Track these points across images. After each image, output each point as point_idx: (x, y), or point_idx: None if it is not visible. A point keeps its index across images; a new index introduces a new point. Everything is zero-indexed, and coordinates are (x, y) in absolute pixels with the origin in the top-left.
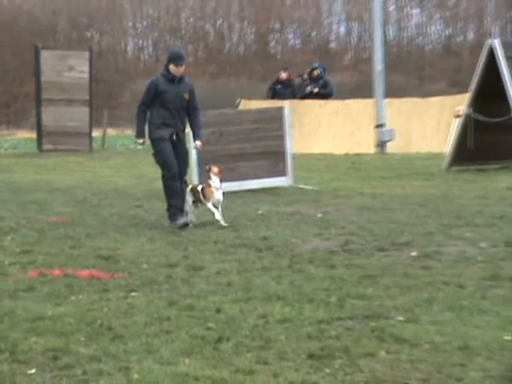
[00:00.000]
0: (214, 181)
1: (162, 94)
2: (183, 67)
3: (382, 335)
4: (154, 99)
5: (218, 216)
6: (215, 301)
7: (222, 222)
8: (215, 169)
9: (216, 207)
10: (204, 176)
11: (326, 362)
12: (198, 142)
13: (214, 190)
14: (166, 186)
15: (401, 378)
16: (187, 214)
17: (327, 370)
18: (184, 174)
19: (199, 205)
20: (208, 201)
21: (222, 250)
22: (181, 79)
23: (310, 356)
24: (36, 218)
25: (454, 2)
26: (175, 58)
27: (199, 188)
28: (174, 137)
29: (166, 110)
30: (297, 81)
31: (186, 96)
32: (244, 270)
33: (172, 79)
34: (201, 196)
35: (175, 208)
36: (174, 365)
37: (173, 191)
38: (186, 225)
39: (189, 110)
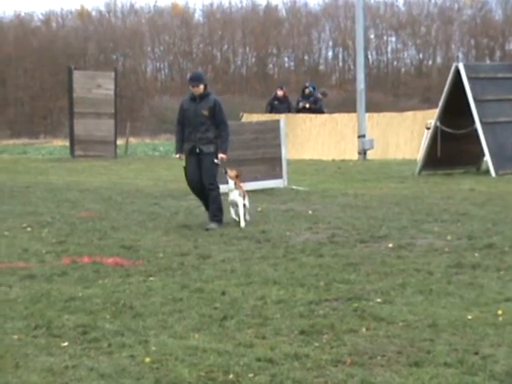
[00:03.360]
0: (230, 184)
1: (185, 112)
2: (199, 87)
3: (363, 314)
4: (184, 117)
5: (232, 215)
6: (221, 284)
7: (242, 223)
8: (231, 173)
9: (233, 207)
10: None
11: (315, 337)
12: (221, 155)
13: (229, 192)
14: None
15: (379, 351)
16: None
17: (316, 344)
18: (207, 182)
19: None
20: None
21: (226, 242)
22: (203, 97)
23: (302, 332)
24: (69, 213)
25: (424, 31)
26: (189, 80)
27: None
28: (197, 150)
29: (189, 126)
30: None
31: (205, 113)
32: (245, 258)
33: (194, 98)
34: None
35: (210, 215)
36: (186, 339)
37: (203, 202)
38: (210, 229)
39: (217, 125)
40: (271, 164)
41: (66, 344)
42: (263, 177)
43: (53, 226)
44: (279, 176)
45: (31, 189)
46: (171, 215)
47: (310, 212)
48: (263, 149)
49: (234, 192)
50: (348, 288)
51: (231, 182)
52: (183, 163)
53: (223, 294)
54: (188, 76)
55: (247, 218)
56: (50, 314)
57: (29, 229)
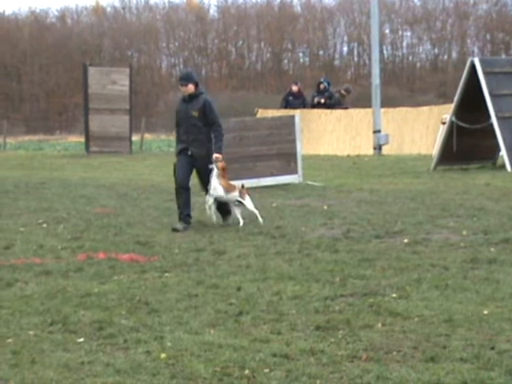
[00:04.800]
0: (214, 172)
1: (177, 113)
2: (188, 86)
3: (379, 310)
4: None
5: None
6: (236, 280)
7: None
8: (219, 163)
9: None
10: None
11: (330, 332)
12: (215, 155)
13: (211, 180)
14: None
15: (394, 346)
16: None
17: (332, 340)
18: (206, 188)
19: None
20: None
21: (241, 237)
22: (193, 98)
23: (317, 327)
24: (84, 209)
25: (440, 26)
26: (178, 80)
27: None
28: (189, 152)
29: (181, 127)
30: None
31: (195, 114)
32: (260, 254)
33: (185, 99)
34: None
35: (178, 214)
36: (201, 334)
37: (178, 200)
38: (176, 230)
39: (209, 126)
40: (286, 159)
41: (81, 340)
42: (278, 172)
43: (68, 222)
44: (294, 171)
45: (47, 185)
46: None
47: (325, 207)
48: (278, 144)
49: (214, 179)
50: (363, 283)
51: (216, 172)
52: (174, 160)
53: (238, 289)
54: None
55: (234, 218)
56: (66, 310)
57: (44, 225)
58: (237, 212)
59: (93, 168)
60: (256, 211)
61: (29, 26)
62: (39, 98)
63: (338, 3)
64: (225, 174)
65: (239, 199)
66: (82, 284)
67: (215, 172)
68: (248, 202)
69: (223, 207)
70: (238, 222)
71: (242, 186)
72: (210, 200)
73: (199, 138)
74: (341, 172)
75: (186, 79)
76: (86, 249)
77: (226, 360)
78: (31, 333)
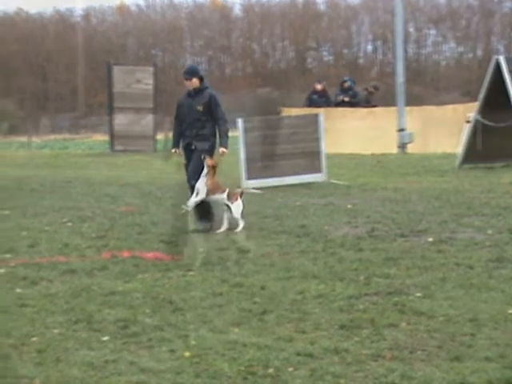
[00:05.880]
0: (204, 171)
1: (179, 107)
2: (192, 80)
3: (403, 309)
4: (180, 113)
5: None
6: (260, 279)
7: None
8: (209, 161)
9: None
10: (252, 172)
11: (355, 331)
12: (222, 149)
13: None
14: None
15: (419, 346)
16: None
17: (356, 338)
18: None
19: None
20: None
21: (265, 236)
22: (198, 92)
23: (342, 326)
24: (109, 208)
25: (464, 24)
26: (183, 74)
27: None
28: (193, 146)
29: (184, 122)
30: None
31: (200, 108)
32: (285, 252)
33: (190, 93)
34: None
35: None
36: (226, 333)
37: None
38: (197, 231)
39: (215, 121)
40: (310, 158)
41: (106, 338)
42: (302, 171)
43: (93, 220)
44: (318, 170)
45: (71, 184)
46: None
47: (350, 206)
48: (302, 143)
49: (202, 179)
50: (388, 282)
51: (205, 170)
52: (182, 160)
53: (263, 288)
54: None
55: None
56: (91, 309)
57: (69, 223)
58: (224, 216)
59: (117, 167)
60: (241, 222)
61: (54, 25)
62: (64, 97)
63: (362, 1)
64: (214, 172)
65: (226, 203)
66: (106, 282)
67: (204, 171)
68: (236, 207)
69: (204, 209)
70: (219, 228)
71: (242, 193)
72: (191, 204)
73: (203, 133)
74: (365, 170)
75: (190, 73)
76: (110, 247)
77: (250, 359)
78: (56, 331)
